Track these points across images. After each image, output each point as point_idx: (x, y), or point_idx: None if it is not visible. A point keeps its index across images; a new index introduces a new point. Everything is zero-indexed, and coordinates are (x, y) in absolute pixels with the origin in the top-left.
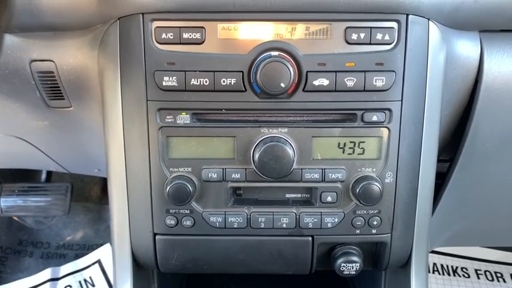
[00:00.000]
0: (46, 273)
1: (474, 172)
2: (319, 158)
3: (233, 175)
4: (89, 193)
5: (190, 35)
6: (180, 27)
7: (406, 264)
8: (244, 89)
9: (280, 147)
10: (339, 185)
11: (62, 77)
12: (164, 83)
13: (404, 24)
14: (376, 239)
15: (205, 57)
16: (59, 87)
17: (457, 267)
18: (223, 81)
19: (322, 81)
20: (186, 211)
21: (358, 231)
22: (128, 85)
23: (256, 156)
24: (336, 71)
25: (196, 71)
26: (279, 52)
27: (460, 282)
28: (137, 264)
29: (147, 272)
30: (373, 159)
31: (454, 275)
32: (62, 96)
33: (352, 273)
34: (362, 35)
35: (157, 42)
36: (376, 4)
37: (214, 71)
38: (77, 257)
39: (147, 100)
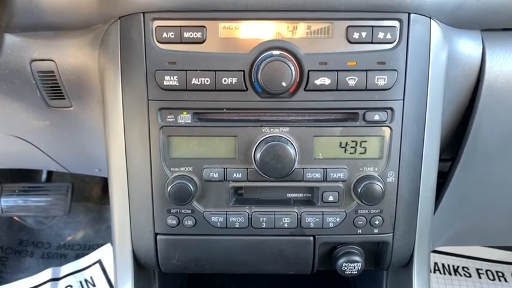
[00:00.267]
0: (47, 273)
1: (476, 171)
2: (321, 157)
3: (234, 175)
4: (90, 193)
5: (191, 34)
6: (180, 26)
7: (408, 263)
8: (245, 88)
9: (281, 146)
10: (340, 184)
11: (63, 76)
12: (165, 83)
13: (406, 23)
14: (378, 239)
15: (206, 56)
16: (59, 86)
17: (458, 267)
18: (225, 81)
19: (324, 81)
20: (187, 211)
21: (359, 231)
22: (129, 85)
23: (258, 155)
24: (337, 70)
25: (197, 70)
26: (280, 51)
27: (461, 282)
28: (138, 264)
29: (148, 272)
30: (375, 158)
31: (456, 275)
32: (63, 96)
33: (354, 273)
34: (364, 34)
35: (158, 41)
36: (377, 3)
37: (215, 70)
38: (78, 257)
39: (148, 100)
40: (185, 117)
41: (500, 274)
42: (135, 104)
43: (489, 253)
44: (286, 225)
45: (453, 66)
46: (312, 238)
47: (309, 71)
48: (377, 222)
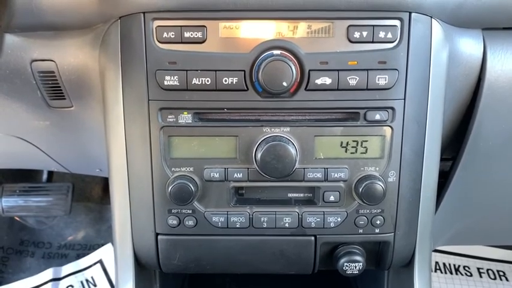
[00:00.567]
0: (48, 273)
1: (477, 171)
2: (322, 157)
3: (235, 175)
4: (90, 193)
5: (191, 34)
6: (181, 26)
7: (409, 263)
8: (246, 88)
9: (282, 146)
10: (341, 184)
11: (63, 76)
12: (166, 83)
13: (407, 22)
14: (379, 239)
15: (207, 56)
16: (59, 87)
17: (459, 266)
18: (225, 80)
19: (325, 80)
20: (188, 211)
21: (361, 231)
22: (129, 85)
23: (259, 155)
24: (338, 70)
25: (197, 70)
26: (281, 51)
27: (462, 281)
28: (139, 264)
29: (149, 272)
30: (376, 158)
31: (457, 274)
32: (63, 96)
33: (355, 272)
34: (364, 33)
35: (158, 41)
36: (378, 2)
37: (215, 70)
38: (79, 257)
39: (149, 100)
40: (186, 117)
41: (501, 273)
42: (136, 104)
43: (490, 252)
44: (287, 225)
45: (454, 65)
46: (313, 238)
47: (309, 70)
48: (378, 222)
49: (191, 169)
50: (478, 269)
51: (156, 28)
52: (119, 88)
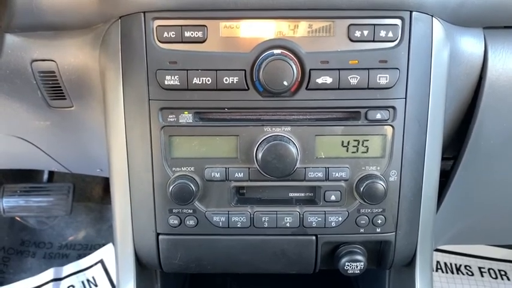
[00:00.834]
0: (49, 274)
1: (478, 170)
2: (323, 156)
3: (236, 174)
4: (91, 193)
5: (192, 34)
6: (181, 25)
7: (410, 263)
8: (246, 88)
9: (283, 146)
10: (342, 183)
11: (63, 76)
12: (166, 82)
13: (408, 21)
14: (380, 238)
15: (207, 55)
16: (60, 87)
17: (460, 265)
18: (226, 80)
19: (326, 79)
20: (189, 211)
21: (362, 230)
22: (130, 84)
23: (259, 155)
24: (339, 69)
25: (198, 70)
26: (282, 50)
27: (463, 281)
28: (140, 264)
29: (150, 272)
30: (377, 157)
31: (458, 273)
32: (64, 96)
33: (357, 272)
34: (365, 33)
35: (159, 41)
36: (379, 1)
37: (216, 70)
38: (80, 257)
39: (149, 99)
40: (186, 117)
41: (502, 273)
42: (136, 104)
43: (492, 251)
44: (288, 224)
45: (455, 64)
46: (314, 237)
47: (310, 69)
48: (379, 222)
49: (192, 169)
50: (480, 268)
51: (156, 28)
52: (119, 88)
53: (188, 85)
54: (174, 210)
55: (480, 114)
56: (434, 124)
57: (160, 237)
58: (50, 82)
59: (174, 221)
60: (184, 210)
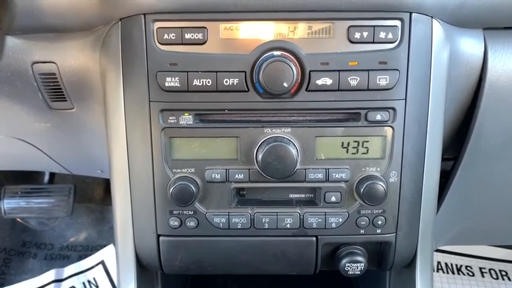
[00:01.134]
0: (50, 275)
1: (478, 171)
2: (323, 157)
3: (236, 176)
4: (92, 194)
5: (192, 36)
6: (181, 27)
7: (411, 263)
8: (247, 89)
9: (283, 147)
10: (343, 184)
11: (64, 78)
12: (167, 84)
13: (407, 22)
14: (380, 239)
15: (208, 57)
16: (61, 89)
17: (461, 266)
18: (226, 82)
19: (325, 81)
20: (190, 212)
21: (362, 231)
22: (130, 86)
23: (260, 156)
24: (339, 70)
25: (198, 72)
26: (282, 52)
27: (464, 281)
28: (141, 266)
29: (150, 274)
30: (377, 158)
31: (459, 274)
32: (64, 98)
33: (357, 273)
34: (365, 34)
35: (159, 43)
36: (379, 2)
37: (216, 71)
38: (81, 258)
39: (150, 101)
40: (187, 119)
41: (503, 273)
42: (137, 106)
43: (492, 252)
44: (288, 225)
45: (455, 65)
46: (314, 239)
47: (310, 71)
48: (380, 223)
49: (192, 170)
50: (480, 268)
51: (156, 29)
52: (119, 90)
53: (188, 87)
54: (174, 212)
55: (480, 115)
56: (434, 125)
57: (160, 238)
58: (51, 84)
59: (174, 222)
60: (184, 212)
